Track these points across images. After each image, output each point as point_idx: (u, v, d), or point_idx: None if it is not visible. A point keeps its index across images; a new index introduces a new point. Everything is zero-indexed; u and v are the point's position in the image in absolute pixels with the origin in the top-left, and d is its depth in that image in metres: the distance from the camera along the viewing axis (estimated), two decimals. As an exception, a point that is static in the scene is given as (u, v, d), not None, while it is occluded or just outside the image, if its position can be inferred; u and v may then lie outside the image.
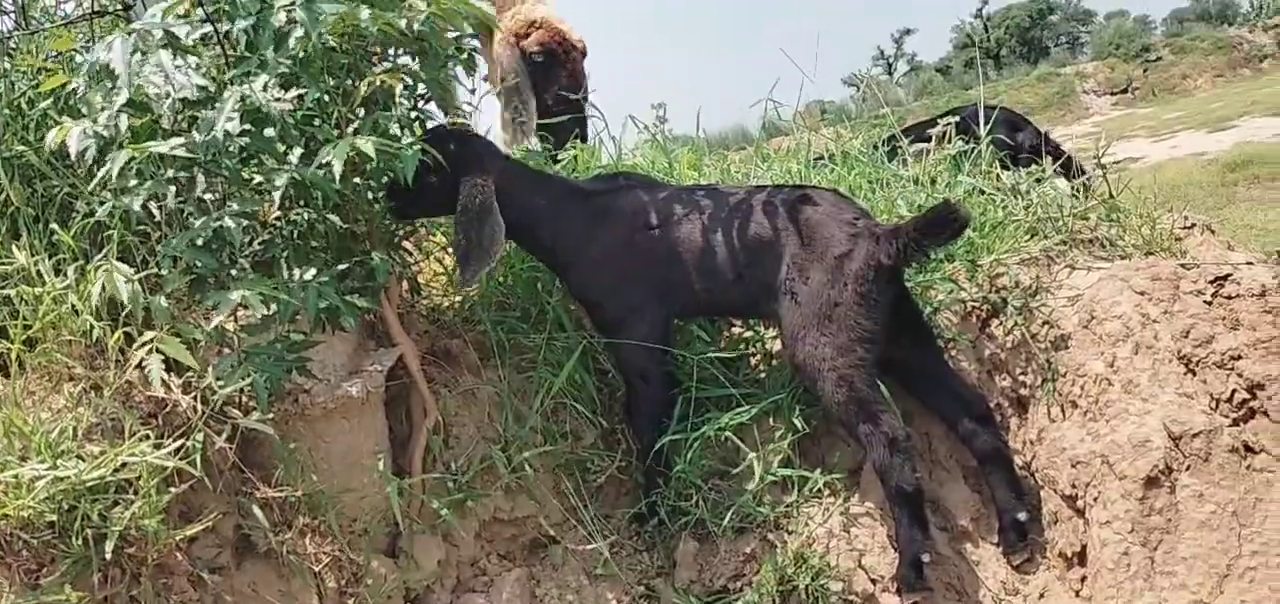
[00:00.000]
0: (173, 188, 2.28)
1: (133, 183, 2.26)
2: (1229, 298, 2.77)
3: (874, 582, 2.78)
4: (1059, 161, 3.77)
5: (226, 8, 2.40)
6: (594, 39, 4.05)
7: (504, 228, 2.77)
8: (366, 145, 2.30)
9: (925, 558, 2.70)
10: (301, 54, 2.29)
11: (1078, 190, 3.45)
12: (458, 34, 2.74)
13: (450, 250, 3.14)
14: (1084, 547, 2.68)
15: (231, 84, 2.26)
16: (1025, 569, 2.83)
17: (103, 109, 2.19)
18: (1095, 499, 2.64)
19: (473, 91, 3.21)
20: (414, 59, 2.65)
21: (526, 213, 2.92)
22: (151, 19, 2.30)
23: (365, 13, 2.27)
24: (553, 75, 3.83)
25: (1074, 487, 2.72)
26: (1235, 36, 28.96)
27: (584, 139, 3.77)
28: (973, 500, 2.94)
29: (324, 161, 2.31)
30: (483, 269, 2.75)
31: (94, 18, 2.78)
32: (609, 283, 2.97)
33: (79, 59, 2.31)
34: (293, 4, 2.27)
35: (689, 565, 2.88)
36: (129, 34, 2.20)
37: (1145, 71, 27.43)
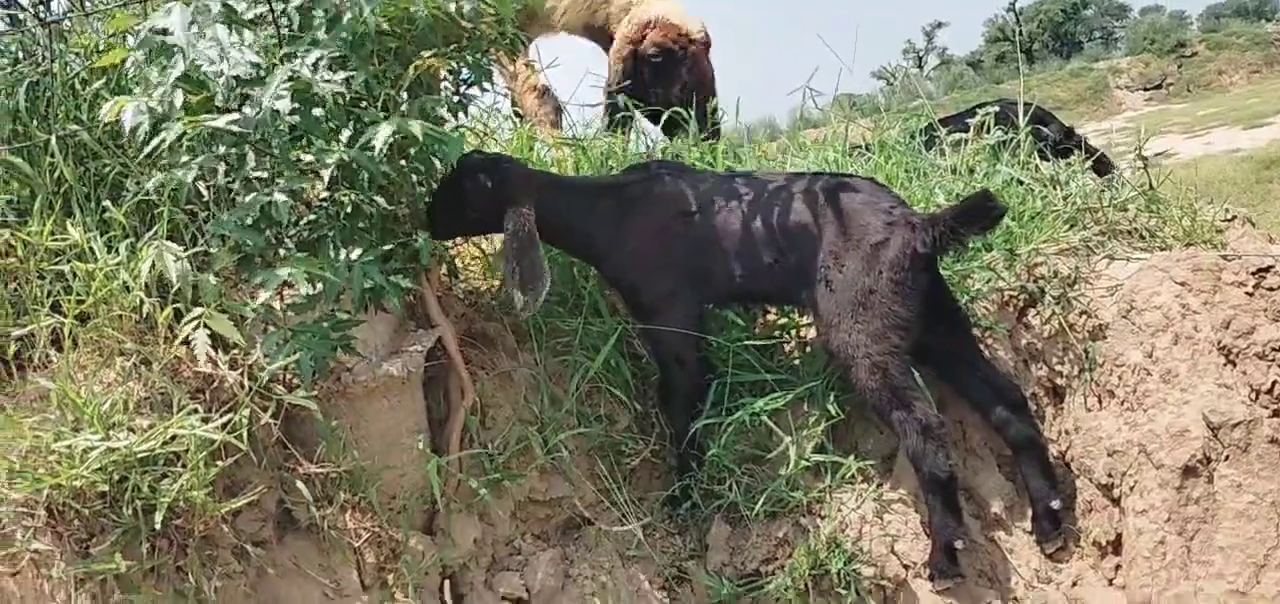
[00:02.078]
0: (222, 165, 2.32)
1: (184, 158, 2.30)
2: (1271, 290, 2.75)
3: (907, 568, 2.79)
4: (1090, 158, 3.75)
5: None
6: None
7: (544, 256, 2.82)
8: (414, 126, 2.33)
9: (958, 545, 2.71)
10: (352, 36, 2.32)
11: (1109, 185, 3.44)
12: (502, 19, 2.77)
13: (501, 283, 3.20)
14: (1119, 535, 2.68)
15: (283, 63, 2.30)
16: (1058, 557, 2.83)
17: (158, 85, 2.23)
18: (1132, 488, 2.64)
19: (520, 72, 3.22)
20: (460, 45, 2.68)
21: (564, 222, 2.98)
22: None
23: (419, 3, 2.31)
24: (673, 73, 3.80)
25: (1110, 476, 2.72)
26: (1273, 33, 28.55)
27: (716, 134, 3.74)
28: (1006, 488, 2.94)
29: (366, 140, 2.34)
30: (541, 296, 2.78)
31: (148, -1, 2.83)
32: (644, 270, 2.99)
33: (132, 40, 2.34)
34: None
35: (721, 548, 2.90)
36: (188, 4, 2.24)
37: (1180, 67, 27.10)
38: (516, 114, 4.22)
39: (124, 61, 2.39)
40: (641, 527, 2.95)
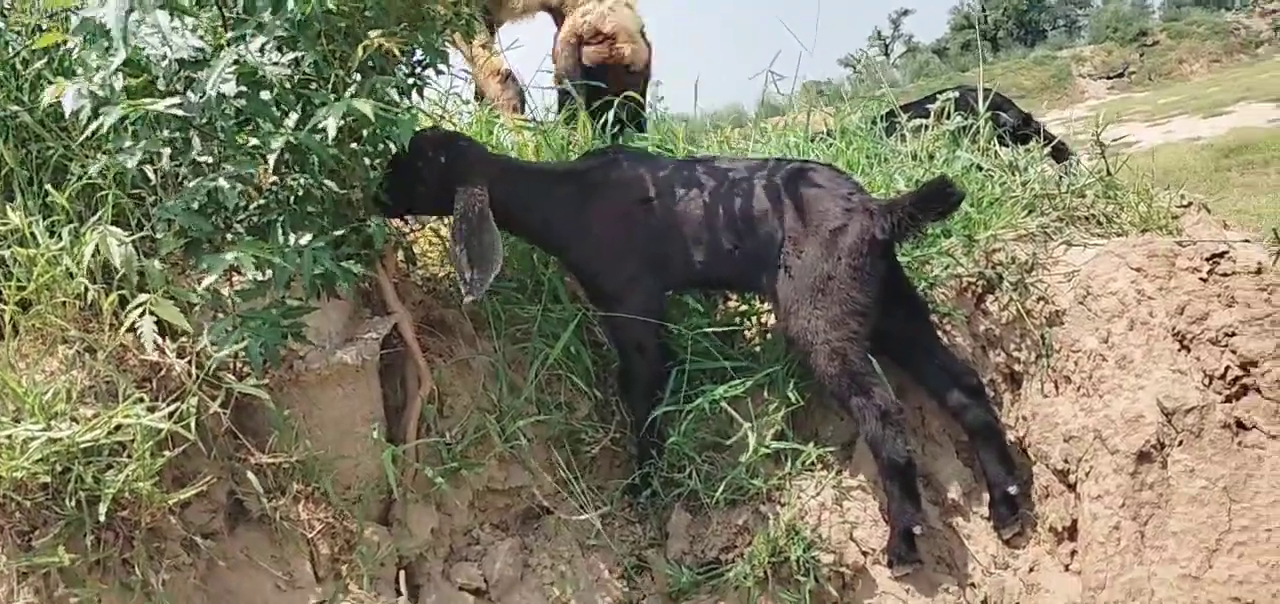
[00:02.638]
0: (168, 150, 2.26)
1: (128, 143, 2.24)
2: (1224, 275, 2.77)
3: (865, 554, 2.80)
4: (1049, 145, 3.77)
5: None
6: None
7: (498, 235, 2.77)
8: (365, 106, 2.28)
9: (917, 530, 2.72)
10: (299, 17, 2.27)
11: (1066, 172, 3.46)
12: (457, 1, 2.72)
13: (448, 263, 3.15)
14: (1075, 521, 2.70)
15: (228, 46, 2.24)
16: (1015, 543, 2.84)
17: (98, 69, 2.16)
18: (1087, 474, 2.66)
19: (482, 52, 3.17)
20: (413, 25, 2.63)
21: (521, 206, 2.93)
22: None
23: None
24: (605, 83, 3.77)
25: (1066, 461, 2.73)
26: (1232, 22, 29.02)
27: (640, 127, 3.74)
28: (964, 474, 2.95)
29: (319, 124, 2.29)
30: (488, 279, 2.73)
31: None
32: (605, 256, 2.96)
33: (73, 18, 2.27)
34: None
35: (681, 537, 2.89)
36: None
37: (1142, 56, 27.46)
38: (480, 99, 4.16)
39: (65, 42, 2.31)
40: (601, 516, 2.93)
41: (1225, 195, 10.14)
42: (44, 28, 2.62)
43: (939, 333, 3.00)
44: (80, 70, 2.26)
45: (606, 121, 3.65)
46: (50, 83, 2.32)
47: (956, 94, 3.66)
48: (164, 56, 2.21)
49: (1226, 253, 2.79)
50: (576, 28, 3.81)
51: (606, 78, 3.74)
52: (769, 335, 3.16)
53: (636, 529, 2.98)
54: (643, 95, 3.82)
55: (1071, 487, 2.73)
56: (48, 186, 2.50)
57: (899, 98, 4.16)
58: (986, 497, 2.90)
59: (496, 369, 3.00)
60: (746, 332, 3.22)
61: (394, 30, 2.52)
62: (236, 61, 2.16)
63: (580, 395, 3.10)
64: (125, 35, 2.14)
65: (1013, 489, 2.82)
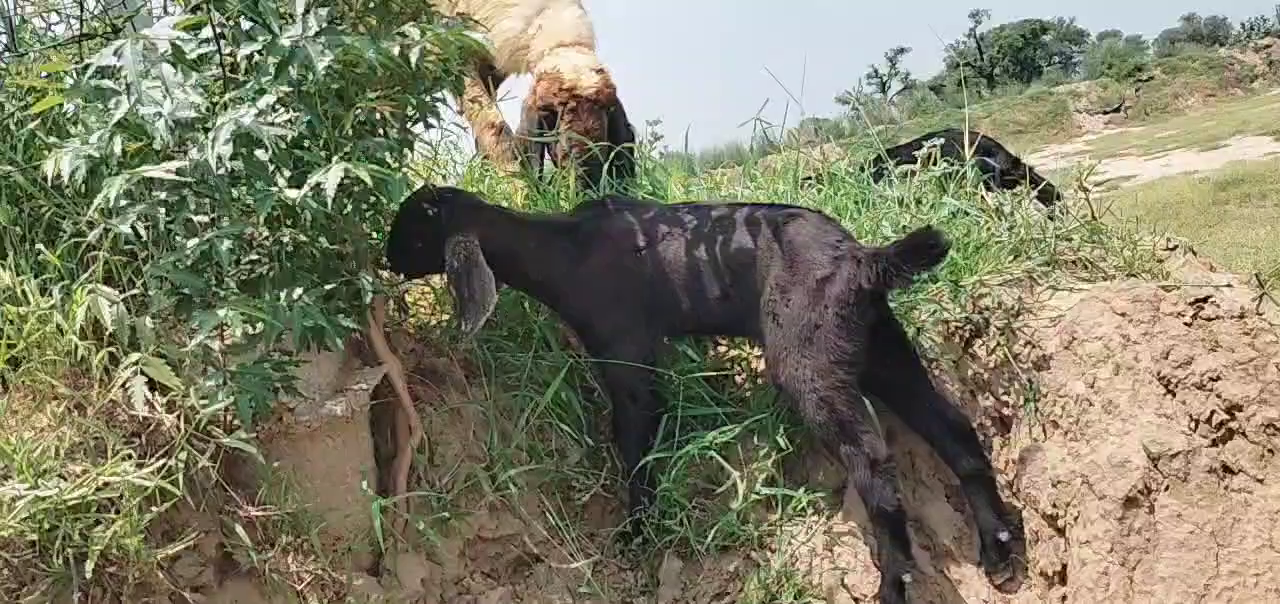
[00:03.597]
0: (163, 208, 2.29)
1: (123, 203, 2.27)
2: (1208, 319, 2.79)
3: (857, 601, 2.79)
4: (1037, 188, 3.80)
5: (232, 31, 2.42)
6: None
7: (494, 278, 2.80)
8: (361, 171, 2.32)
9: (907, 578, 2.71)
10: (300, 81, 2.31)
11: (1054, 215, 3.48)
12: (446, 58, 2.76)
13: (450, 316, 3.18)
14: (1065, 566, 2.69)
15: (228, 106, 2.28)
16: (1007, 588, 2.83)
17: (96, 129, 2.20)
18: (1076, 519, 2.66)
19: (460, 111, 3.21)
20: (403, 84, 2.67)
21: (515, 257, 2.97)
22: (161, 28, 2.32)
23: (371, 52, 2.30)
24: (572, 123, 3.70)
25: (1055, 506, 2.74)
26: (1226, 57, 29.23)
27: (593, 183, 3.67)
28: (955, 519, 2.95)
29: (315, 183, 2.32)
30: (480, 320, 2.77)
31: (82, 40, 2.80)
32: (598, 305, 2.99)
33: (70, 82, 2.31)
34: (300, 37, 2.28)
35: (672, 584, 2.89)
36: (138, 41, 2.21)
37: (1137, 91, 27.62)
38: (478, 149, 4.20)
39: (60, 106, 2.35)
40: (592, 564, 2.93)
41: (1223, 227, 10.18)
42: (37, 87, 2.67)
43: (930, 378, 3.01)
44: (73, 130, 2.30)
45: (592, 168, 3.66)
46: (43, 142, 2.36)
47: (942, 140, 3.69)
48: (160, 115, 2.23)
49: (1210, 297, 2.81)
50: (532, 86, 3.83)
51: (564, 116, 3.70)
52: (759, 381, 3.17)
53: (628, 577, 2.98)
54: (613, 130, 3.79)
55: (1061, 531, 2.73)
56: (40, 245, 2.53)
57: (899, 134, 4.19)
58: (978, 542, 2.89)
59: (487, 417, 3.02)
60: (737, 377, 3.24)
61: (386, 93, 2.56)
62: (235, 125, 2.19)
63: (571, 442, 3.11)
64: (135, 82, 2.17)
65: (1004, 535, 2.82)
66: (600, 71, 3.75)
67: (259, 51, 2.34)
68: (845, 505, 2.95)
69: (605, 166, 3.67)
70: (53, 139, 2.30)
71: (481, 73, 4.06)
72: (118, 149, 2.22)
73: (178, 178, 2.23)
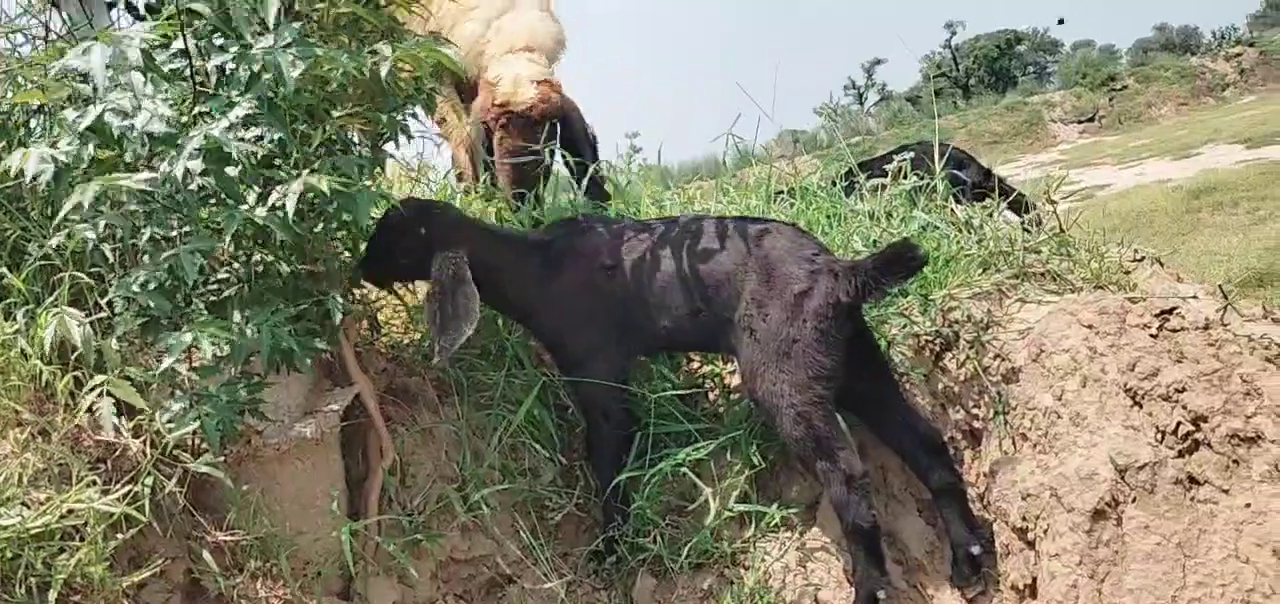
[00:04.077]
0: (129, 223, 2.27)
1: (89, 213, 2.25)
2: (1174, 331, 2.81)
3: (830, 616, 2.79)
4: (1008, 199, 3.83)
5: (204, 44, 2.40)
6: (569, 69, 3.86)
7: (478, 296, 2.79)
8: (321, 183, 2.30)
9: (880, 594, 2.71)
10: (269, 96, 2.30)
11: (1028, 225, 3.51)
12: (418, 75, 2.75)
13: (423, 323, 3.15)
14: (1035, 579, 2.70)
15: (198, 120, 2.26)
16: (978, 602, 2.84)
17: (65, 133, 2.18)
18: (1045, 532, 2.67)
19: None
20: (373, 101, 2.66)
21: (494, 273, 2.96)
22: (133, 35, 2.30)
23: (344, 60, 2.29)
24: (502, 139, 3.57)
25: (1025, 519, 2.75)
26: (1198, 66, 29.55)
27: (526, 202, 3.56)
28: (927, 533, 2.96)
29: (275, 200, 2.31)
30: (460, 339, 2.73)
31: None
32: (569, 323, 2.99)
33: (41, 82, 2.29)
34: (272, 49, 2.27)
35: (646, 602, 2.88)
36: (109, 44, 2.19)
37: (1111, 100, 27.87)
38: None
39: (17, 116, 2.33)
40: (566, 583, 2.92)
41: (1197, 236, 10.27)
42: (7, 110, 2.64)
43: (902, 392, 3.02)
44: (40, 132, 2.28)
45: (527, 185, 3.54)
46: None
47: (913, 154, 3.72)
48: (132, 127, 2.21)
49: (1176, 308, 2.84)
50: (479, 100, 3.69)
51: (496, 131, 3.56)
52: (732, 397, 3.18)
53: (602, 596, 2.97)
54: (568, 142, 3.66)
55: (1031, 544, 2.75)
56: (3, 269, 2.50)
57: (876, 146, 4.21)
58: (950, 556, 2.90)
59: (460, 436, 3.01)
60: (710, 394, 3.24)
61: (356, 109, 2.56)
62: (205, 138, 2.18)
63: (544, 461, 3.10)
64: (103, 88, 2.15)
65: (975, 549, 2.83)
66: (543, 82, 3.57)
67: (231, 62, 2.33)
68: (818, 521, 2.96)
69: (569, 180, 3.61)
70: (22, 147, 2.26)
71: (459, 88, 4.02)
72: (87, 156, 2.20)
73: (148, 189, 2.21)
